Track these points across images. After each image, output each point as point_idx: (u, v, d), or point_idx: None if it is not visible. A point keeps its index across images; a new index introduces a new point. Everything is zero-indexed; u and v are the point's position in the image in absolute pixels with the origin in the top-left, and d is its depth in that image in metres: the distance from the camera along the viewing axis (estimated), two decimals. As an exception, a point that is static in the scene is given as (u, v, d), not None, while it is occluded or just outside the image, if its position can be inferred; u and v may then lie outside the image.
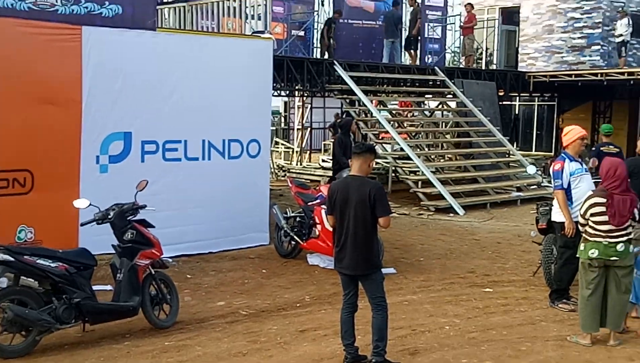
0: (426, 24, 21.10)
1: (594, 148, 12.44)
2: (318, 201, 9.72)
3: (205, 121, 10.40)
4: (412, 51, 20.02)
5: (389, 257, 10.25)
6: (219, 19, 13.28)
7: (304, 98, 24.93)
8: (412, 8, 19.23)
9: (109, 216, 6.99)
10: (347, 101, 17.89)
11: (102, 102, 9.35)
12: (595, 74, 21.50)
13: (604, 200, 6.64)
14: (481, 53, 25.75)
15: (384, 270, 8.99)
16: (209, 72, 10.46)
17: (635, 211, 6.74)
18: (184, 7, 13.95)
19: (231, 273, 9.50)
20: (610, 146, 11.21)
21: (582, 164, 7.93)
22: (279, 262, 10.18)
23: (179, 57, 10.16)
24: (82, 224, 7.44)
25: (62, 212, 8.57)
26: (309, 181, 17.86)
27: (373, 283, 6.05)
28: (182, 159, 10.20)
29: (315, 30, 19.75)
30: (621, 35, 21.50)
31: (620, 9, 22.31)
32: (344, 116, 22.78)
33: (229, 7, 12.94)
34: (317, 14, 20.16)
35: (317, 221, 9.65)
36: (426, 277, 9.45)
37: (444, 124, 21.01)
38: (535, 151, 26.99)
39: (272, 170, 20.30)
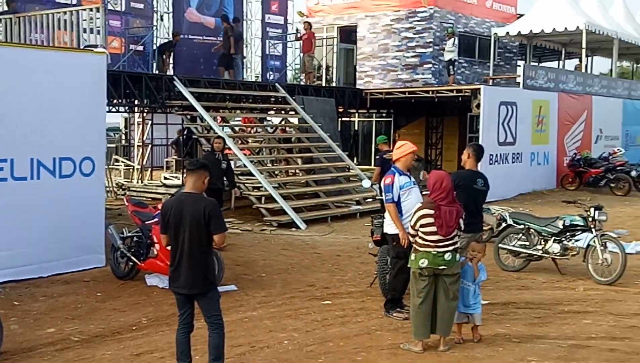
0: (267, 41, 21.34)
1: (377, 156, 15.55)
2: (155, 219, 9.49)
3: (34, 139, 9.91)
4: (230, 70, 19.82)
5: (230, 274, 10.20)
6: (51, 32, 12.71)
7: (144, 114, 24.39)
8: (223, 26, 19.36)
9: None
10: (189, 117, 17.69)
11: None
12: (427, 91, 22.65)
13: (432, 212, 6.96)
14: (321, 70, 26.35)
15: (224, 287, 9.05)
16: (37, 87, 9.98)
17: (461, 221, 7.13)
18: (11, 19, 13.25)
19: (63, 298, 9.06)
20: (390, 153, 13.27)
21: (410, 178, 8.24)
22: (115, 284, 9.84)
23: (5, 72, 9.63)
24: None
25: None
26: (150, 199, 17.45)
27: (209, 301, 5.99)
28: (8, 179, 9.64)
29: (154, 45, 19.39)
30: (449, 54, 22.83)
31: (448, 29, 23.66)
32: (185, 132, 22.53)
33: (59, 20, 12.42)
34: (156, 28, 19.83)
35: (155, 240, 9.42)
36: (267, 293, 9.48)
37: (286, 140, 21.26)
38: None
39: (111, 189, 19.65)
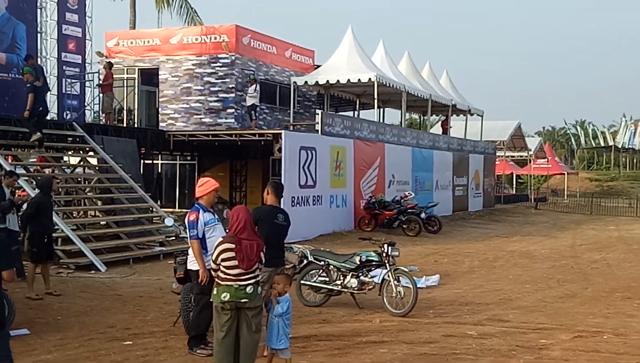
0: (64, 80, 20.62)
1: (29, 85, 16.61)
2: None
3: None
4: None
5: (22, 318, 9.57)
6: None
7: None
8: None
9: None
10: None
11: None
12: (230, 135, 22.97)
13: (232, 245, 7.03)
14: (121, 111, 25.79)
15: (16, 332, 8.51)
16: None
17: (262, 255, 7.26)
18: None
19: None
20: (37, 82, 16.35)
21: (214, 215, 8.32)
22: None
23: None
24: None
25: None
26: None
27: (-2, 341, 5.62)
28: None
29: None
30: (251, 99, 23.39)
31: (249, 76, 24.25)
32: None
33: None
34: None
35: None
36: (63, 335, 9.02)
37: (85, 180, 20.51)
38: (179, 208, 27.70)
39: None
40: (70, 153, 20.36)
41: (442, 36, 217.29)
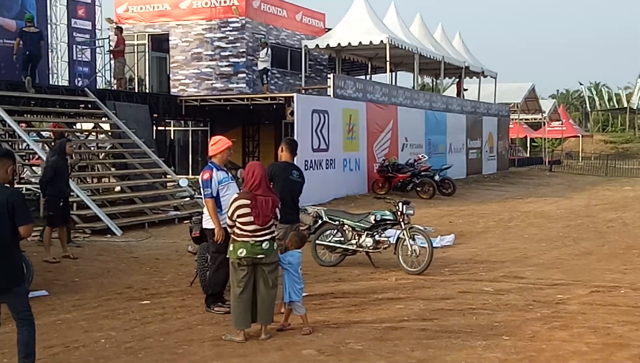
0: (74, 46, 20.54)
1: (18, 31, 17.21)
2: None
3: None
4: None
5: (41, 280, 9.67)
6: None
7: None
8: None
9: None
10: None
11: None
12: (242, 99, 22.86)
13: (248, 201, 7.02)
14: (132, 80, 25.66)
15: (35, 293, 8.58)
16: None
17: (277, 211, 7.25)
18: None
19: None
20: (32, 28, 17.12)
21: (228, 173, 8.27)
22: None
23: None
24: None
25: None
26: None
27: (17, 297, 5.63)
28: None
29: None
30: (263, 63, 23.24)
31: (260, 40, 24.06)
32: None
33: None
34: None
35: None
36: (81, 296, 9.09)
37: (98, 146, 20.54)
38: (192, 174, 27.72)
39: None
40: (83, 118, 20.35)
41: None
